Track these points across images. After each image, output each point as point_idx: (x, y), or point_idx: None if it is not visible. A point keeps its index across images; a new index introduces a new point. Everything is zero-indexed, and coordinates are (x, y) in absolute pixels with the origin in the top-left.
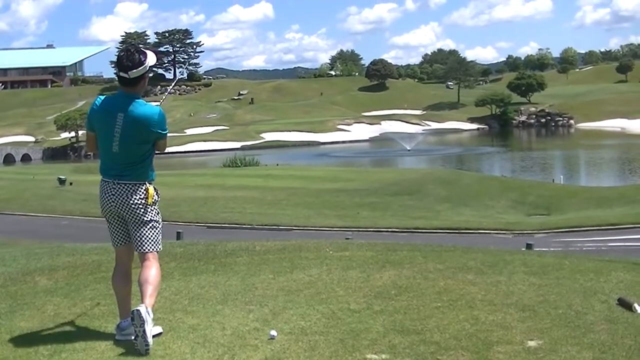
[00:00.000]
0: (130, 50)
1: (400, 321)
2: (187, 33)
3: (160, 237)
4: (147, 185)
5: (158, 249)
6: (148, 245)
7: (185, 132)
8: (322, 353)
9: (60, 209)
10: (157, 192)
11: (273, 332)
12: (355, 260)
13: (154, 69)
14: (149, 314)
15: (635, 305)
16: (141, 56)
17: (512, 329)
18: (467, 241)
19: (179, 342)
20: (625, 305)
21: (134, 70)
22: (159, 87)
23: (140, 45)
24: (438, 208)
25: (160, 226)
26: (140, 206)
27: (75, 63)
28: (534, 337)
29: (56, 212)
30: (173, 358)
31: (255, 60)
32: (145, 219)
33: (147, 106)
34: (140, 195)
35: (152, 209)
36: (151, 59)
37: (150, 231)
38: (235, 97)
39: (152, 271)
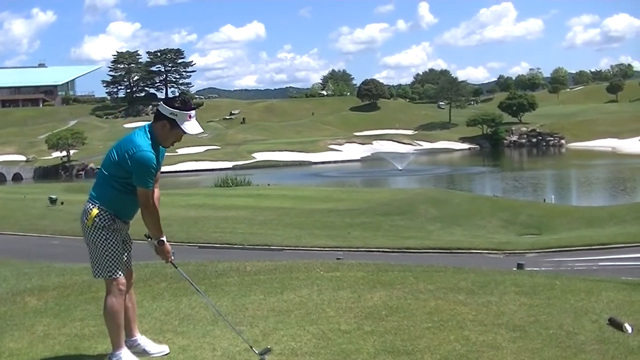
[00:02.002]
0: (182, 96)
1: (391, 342)
2: (179, 52)
3: (109, 265)
4: (96, 206)
5: (106, 276)
6: (94, 270)
7: (177, 152)
8: None
9: (51, 228)
10: (104, 220)
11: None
12: (346, 281)
13: (147, 88)
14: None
15: (626, 325)
16: (178, 103)
17: (502, 349)
18: (459, 261)
19: None
20: (616, 325)
21: (160, 103)
22: (150, 106)
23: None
24: (429, 228)
25: (105, 253)
26: (84, 225)
27: (67, 82)
28: (524, 358)
29: (47, 232)
30: None
31: (247, 80)
32: (87, 240)
33: (138, 143)
34: (86, 214)
35: (94, 232)
36: (190, 125)
37: (93, 255)
38: (227, 117)
39: (105, 309)
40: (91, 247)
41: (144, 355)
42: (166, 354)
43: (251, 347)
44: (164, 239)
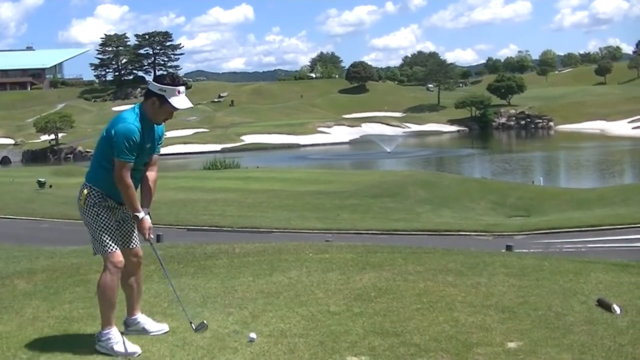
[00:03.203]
0: (171, 73)
1: (380, 323)
2: (167, 35)
3: (103, 240)
4: (87, 186)
5: (102, 252)
6: (93, 246)
7: (165, 135)
8: (301, 355)
9: (39, 211)
10: (94, 197)
11: (252, 335)
12: (335, 263)
13: (136, 71)
14: (99, 338)
15: (615, 306)
16: (165, 80)
17: (492, 330)
18: (447, 243)
19: (158, 344)
20: (605, 306)
21: (150, 81)
22: (138, 89)
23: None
24: (418, 210)
25: (98, 229)
26: (79, 207)
27: (55, 65)
28: (513, 339)
29: (36, 215)
30: None
31: (235, 62)
32: (84, 221)
33: (124, 116)
34: (80, 195)
35: (87, 211)
36: (178, 100)
37: (90, 232)
38: (216, 100)
39: (98, 284)
40: (87, 226)
41: (143, 334)
42: (165, 332)
43: (191, 322)
44: (140, 215)
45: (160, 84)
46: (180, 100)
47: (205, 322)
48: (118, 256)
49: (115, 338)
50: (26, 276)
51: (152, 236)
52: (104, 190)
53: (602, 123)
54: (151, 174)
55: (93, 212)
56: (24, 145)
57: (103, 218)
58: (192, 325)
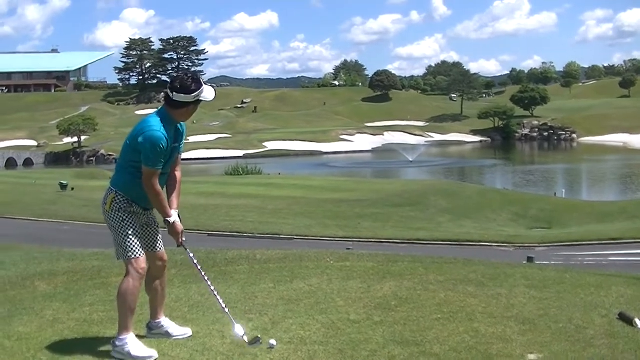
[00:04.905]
0: (187, 75)
1: (400, 332)
2: (191, 40)
3: (127, 245)
4: (113, 191)
5: (125, 257)
6: (116, 251)
7: (188, 140)
8: None
9: (61, 213)
10: (119, 203)
11: (272, 342)
12: (356, 271)
13: (159, 75)
14: (115, 344)
15: (636, 320)
16: (194, 85)
17: (512, 342)
18: (468, 253)
19: (177, 349)
20: (626, 320)
21: (180, 95)
22: (162, 94)
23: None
24: (439, 220)
25: (123, 235)
26: (104, 211)
27: (80, 68)
28: (534, 351)
29: (57, 217)
30: None
31: (259, 68)
32: (108, 225)
33: (150, 123)
34: (105, 200)
35: (112, 215)
36: (208, 93)
37: (114, 237)
38: (239, 106)
39: (119, 289)
40: (112, 231)
41: (166, 337)
42: (189, 337)
43: (242, 336)
44: (171, 220)
45: (195, 91)
46: (208, 91)
47: (259, 336)
48: (142, 262)
49: (132, 344)
50: (47, 278)
51: (184, 239)
52: (129, 196)
53: (625, 136)
54: (177, 174)
55: (118, 217)
56: (46, 147)
57: (128, 223)
58: (245, 338)
